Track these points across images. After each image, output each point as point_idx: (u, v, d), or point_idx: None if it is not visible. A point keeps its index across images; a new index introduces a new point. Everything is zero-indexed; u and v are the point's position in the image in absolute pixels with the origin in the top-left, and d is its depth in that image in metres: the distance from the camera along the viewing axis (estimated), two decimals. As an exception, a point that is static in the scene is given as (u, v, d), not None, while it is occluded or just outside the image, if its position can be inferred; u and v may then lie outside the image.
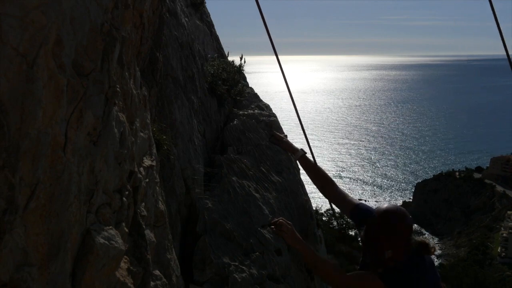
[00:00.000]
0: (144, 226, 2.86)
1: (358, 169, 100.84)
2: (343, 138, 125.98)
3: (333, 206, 3.44)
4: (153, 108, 4.11)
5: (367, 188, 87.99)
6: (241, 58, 8.46)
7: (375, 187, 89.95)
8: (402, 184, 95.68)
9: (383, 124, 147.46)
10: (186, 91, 5.76)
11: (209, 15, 9.13)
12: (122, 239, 2.30)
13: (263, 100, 8.57)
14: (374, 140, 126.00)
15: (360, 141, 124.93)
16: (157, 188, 3.43)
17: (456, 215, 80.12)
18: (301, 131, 3.29)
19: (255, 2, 2.67)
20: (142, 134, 3.08)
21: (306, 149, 3.14)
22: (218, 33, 9.42)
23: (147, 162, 3.16)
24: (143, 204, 2.98)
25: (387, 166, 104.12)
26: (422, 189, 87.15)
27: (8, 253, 1.51)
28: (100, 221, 2.17)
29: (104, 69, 2.11)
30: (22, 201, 1.55)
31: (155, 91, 4.04)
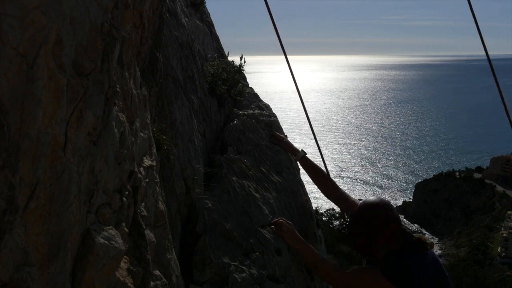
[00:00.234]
0: (144, 226, 2.86)
1: (358, 169, 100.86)
2: (343, 138, 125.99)
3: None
4: (153, 108, 4.11)
5: (367, 188, 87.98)
6: (241, 58, 8.46)
7: (375, 187, 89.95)
8: (403, 184, 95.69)
9: (384, 124, 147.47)
10: (186, 91, 5.76)
11: (209, 15, 9.13)
12: (122, 239, 2.30)
13: (263, 100, 8.57)
14: (374, 140, 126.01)
15: (361, 141, 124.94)
16: (157, 188, 3.43)
17: (456, 215, 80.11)
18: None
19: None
20: (142, 134, 3.08)
21: (313, 149, 3.15)
22: (218, 33, 9.42)
23: (147, 162, 3.16)
24: (143, 204, 2.98)
25: (388, 166, 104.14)
26: (422, 189, 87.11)
27: (8, 253, 1.51)
28: (100, 221, 2.17)
29: (104, 69, 2.11)
30: (22, 201, 1.55)
31: (155, 91, 4.04)
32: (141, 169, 2.98)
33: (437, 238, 73.20)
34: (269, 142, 4.46)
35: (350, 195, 2.85)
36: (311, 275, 6.32)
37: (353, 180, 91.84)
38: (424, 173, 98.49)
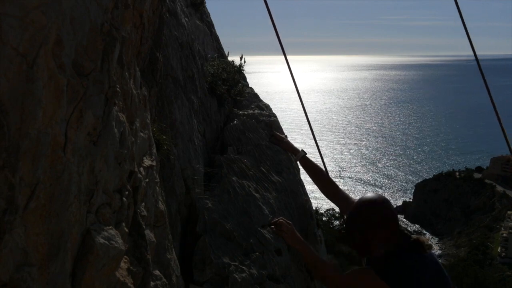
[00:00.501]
0: (144, 226, 2.86)
1: (359, 169, 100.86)
2: (343, 138, 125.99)
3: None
4: (153, 108, 4.11)
5: (368, 188, 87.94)
6: (241, 58, 8.46)
7: (376, 187, 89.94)
8: (403, 184, 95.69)
9: (384, 124, 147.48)
10: (186, 91, 5.76)
11: (209, 15, 9.13)
12: (122, 239, 2.30)
13: (263, 100, 8.57)
14: (375, 140, 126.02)
15: (361, 141, 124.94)
16: (157, 188, 3.43)
17: (456, 215, 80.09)
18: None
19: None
20: (142, 134, 3.08)
21: (313, 149, 3.14)
22: (218, 33, 9.42)
23: (147, 162, 3.16)
24: (143, 204, 2.98)
25: (388, 166, 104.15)
26: (422, 189, 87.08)
27: (8, 253, 1.51)
28: (100, 221, 2.17)
29: (104, 69, 2.11)
30: (22, 201, 1.55)
31: (155, 91, 4.04)
32: (141, 169, 2.98)
33: (437, 238, 73.19)
34: (269, 142, 4.46)
35: (350, 195, 2.85)
36: (311, 275, 6.32)
37: (354, 180, 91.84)
38: (425, 173, 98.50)
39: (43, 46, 1.60)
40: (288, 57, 3.55)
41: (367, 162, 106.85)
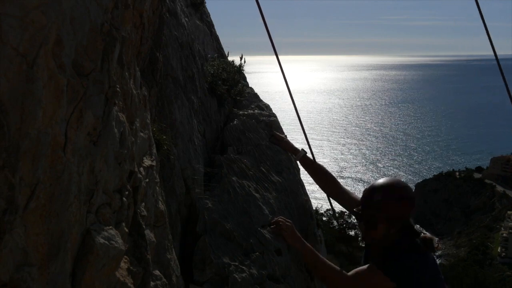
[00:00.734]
0: (144, 226, 2.86)
1: (359, 169, 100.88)
2: (344, 138, 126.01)
3: (332, 205, 3.43)
4: (153, 108, 4.11)
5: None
6: (241, 58, 8.46)
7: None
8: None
9: (384, 124, 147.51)
10: (186, 91, 5.76)
11: (209, 15, 9.13)
12: (122, 239, 2.30)
13: (263, 100, 8.57)
14: (375, 140, 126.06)
15: (361, 141, 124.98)
16: (157, 188, 3.43)
17: (456, 215, 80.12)
18: (301, 131, 3.29)
19: (255, 2, 2.68)
20: (142, 134, 3.08)
21: (314, 149, 3.13)
22: (218, 33, 9.42)
23: (147, 162, 3.16)
24: (143, 204, 2.98)
25: (389, 166, 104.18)
26: (422, 189, 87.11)
27: (8, 253, 1.51)
28: (100, 221, 2.17)
29: (104, 69, 2.11)
30: (22, 201, 1.55)
31: (155, 91, 4.04)
32: (141, 169, 2.98)
33: (437, 238, 73.03)
34: (269, 142, 4.47)
35: (352, 192, 2.83)
36: (311, 275, 6.32)
37: (355, 180, 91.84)
38: (425, 173, 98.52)
39: (43, 46, 1.60)
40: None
41: (367, 162, 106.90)
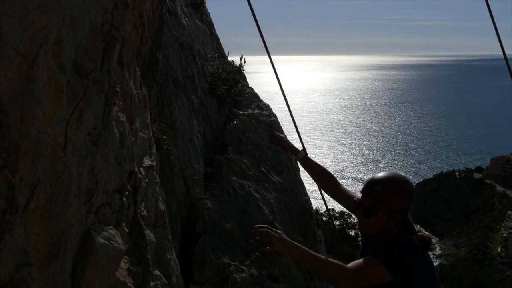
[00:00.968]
0: (144, 226, 2.86)
1: (360, 168, 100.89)
2: (344, 138, 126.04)
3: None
4: (153, 108, 4.11)
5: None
6: (241, 58, 8.47)
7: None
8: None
9: (385, 124, 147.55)
10: (186, 91, 5.76)
11: (209, 15, 9.13)
12: (122, 239, 2.30)
13: (263, 100, 8.57)
14: (376, 140, 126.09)
15: (362, 140, 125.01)
16: (157, 188, 3.43)
17: (456, 215, 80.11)
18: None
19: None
20: (142, 134, 3.08)
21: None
22: (218, 33, 9.42)
23: (147, 162, 3.16)
24: (143, 204, 2.98)
25: (390, 166, 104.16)
26: (422, 189, 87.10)
27: (8, 253, 1.51)
28: (100, 221, 2.17)
29: (104, 69, 2.11)
30: (22, 201, 1.55)
31: (155, 91, 4.04)
32: (141, 169, 2.98)
33: (437, 238, 73.21)
34: (269, 142, 4.46)
35: (352, 191, 2.82)
36: (311, 275, 6.32)
37: (355, 180, 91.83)
38: (425, 173, 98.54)
39: (43, 46, 1.60)
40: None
41: (368, 162, 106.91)
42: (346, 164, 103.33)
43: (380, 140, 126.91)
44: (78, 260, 1.97)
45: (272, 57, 3.16)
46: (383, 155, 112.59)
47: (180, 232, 4.94)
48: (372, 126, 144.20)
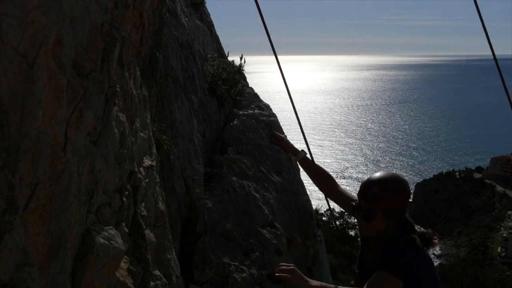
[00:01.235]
0: (144, 226, 2.86)
1: (361, 169, 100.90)
2: (345, 138, 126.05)
3: (332, 205, 3.42)
4: (153, 108, 4.11)
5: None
6: (241, 58, 8.47)
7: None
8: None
9: (385, 123, 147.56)
10: (186, 91, 5.76)
11: (209, 15, 9.13)
12: (122, 239, 2.30)
13: (263, 100, 8.57)
14: (376, 140, 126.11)
15: (362, 140, 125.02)
16: (157, 188, 3.43)
17: (456, 215, 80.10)
18: (301, 131, 3.29)
19: (255, 2, 2.67)
20: (142, 134, 3.08)
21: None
22: (218, 33, 9.43)
23: (147, 162, 3.16)
24: (143, 204, 2.98)
25: (390, 166, 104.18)
26: (422, 189, 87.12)
27: (8, 253, 1.51)
28: (100, 221, 2.17)
29: (104, 69, 2.11)
30: (22, 201, 1.55)
31: (155, 91, 4.04)
32: (141, 169, 2.98)
33: (436, 235, 73.02)
34: (269, 142, 4.46)
35: (352, 194, 2.82)
36: (311, 275, 6.32)
37: (355, 180, 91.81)
38: (425, 173, 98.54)
39: (43, 46, 1.60)
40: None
41: (368, 161, 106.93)
42: (347, 164, 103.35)
43: (380, 140, 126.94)
44: (78, 260, 1.97)
45: (273, 57, 3.16)
46: (384, 155, 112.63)
47: (180, 232, 4.94)
48: (373, 126, 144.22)
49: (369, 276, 2.19)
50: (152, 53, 3.81)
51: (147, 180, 3.06)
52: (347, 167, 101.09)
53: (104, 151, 2.16)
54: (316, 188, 2.95)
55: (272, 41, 2.84)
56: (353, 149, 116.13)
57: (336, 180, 3.01)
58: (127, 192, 2.54)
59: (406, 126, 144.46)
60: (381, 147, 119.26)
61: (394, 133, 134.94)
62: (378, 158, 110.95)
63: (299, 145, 3.22)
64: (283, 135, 3.16)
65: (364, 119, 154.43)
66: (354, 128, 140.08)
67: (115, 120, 2.30)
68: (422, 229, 2.53)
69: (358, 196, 2.37)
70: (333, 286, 2.21)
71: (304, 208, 6.81)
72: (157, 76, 4.00)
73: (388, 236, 2.28)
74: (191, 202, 5.23)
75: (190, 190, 5.21)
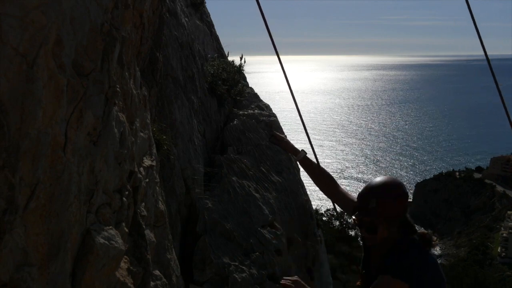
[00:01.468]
0: (144, 226, 2.86)
1: (361, 168, 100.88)
2: (345, 138, 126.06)
3: (335, 205, 3.42)
4: (153, 108, 4.11)
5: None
6: (241, 58, 8.47)
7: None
8: (405, 184, 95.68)
9: (386, 123, 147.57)
10: (186, 91, 5.76)
11: (209, 15, 9.13)
12: (122, 239, 2.30)
13: (263, 100, 8.57)
14: (376, 140, 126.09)
15: (362, 140, 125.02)
16: (157, 188, 3.43)
17: (456, 215, 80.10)
18: (302, 131, 3.29)
19: (255, 2, 2.67)
20: (142, 134, 3.08)
21: (308, 149, 3.12)
22: (218, 33, 9.42)
23: (147, 162, 3.16)
24: (143, 204, 2.98)
25: (390, 165, 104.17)
26: (422, 189, 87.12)
27: (8, 253, 1.51)
28: (100, 221, 2.17)
29: (104, 69, 2.11)
30: (22, 201, 1.55)
31: (155, 91, 4.04)
32: (141, 169, 2.98)
33: (434, 237, 73.04)
34: (269, 142, 4.46)
35: (351, 194, 2.83)
36: (311, 275, 6.32)
37: (356, 180, 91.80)
38: (425, 173, 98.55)
39: (43, 46, 1.60)
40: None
41: (369, 161, 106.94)
42: (347, 164, 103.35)
43: (380, 140, 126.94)
44: (78, 260, 1.97)
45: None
46: (384, 155, 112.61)
47: (180, 232, 4.94)
48: (373, 126, 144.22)
49: (373, 280, 2.20)
50: (152, 53, 3.81)
51: (147, 180, 3.06)
52: (347, 167, 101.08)
53: (104, 151, 2.16)
54: (317, 188, 2.95)
55: (273, 40, 2.83)
56: (353, 149, 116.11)
57: (337, 180, 3.00)
58: (127, 192, 2.54)
59: (407, 126, 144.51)
60: (381, 147, 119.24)
61: (394, 133, 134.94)
62: (379, 158, 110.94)
63: (300, 145, 3.22)
64: (283, 135, 3.16)
65: (364, 119, 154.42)
66: (354, 128, 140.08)
67: (115, 120, 2.30)
68: (422, 229, 2.53)
69: (358, 211, 2.37)
70: None
71: (304, 208, 6.81)
72: (157, 76, 4.00)
73: (391, 241, 2.28)
74: (191, 202, 5.23)
75: (190, 190, 5.21)
